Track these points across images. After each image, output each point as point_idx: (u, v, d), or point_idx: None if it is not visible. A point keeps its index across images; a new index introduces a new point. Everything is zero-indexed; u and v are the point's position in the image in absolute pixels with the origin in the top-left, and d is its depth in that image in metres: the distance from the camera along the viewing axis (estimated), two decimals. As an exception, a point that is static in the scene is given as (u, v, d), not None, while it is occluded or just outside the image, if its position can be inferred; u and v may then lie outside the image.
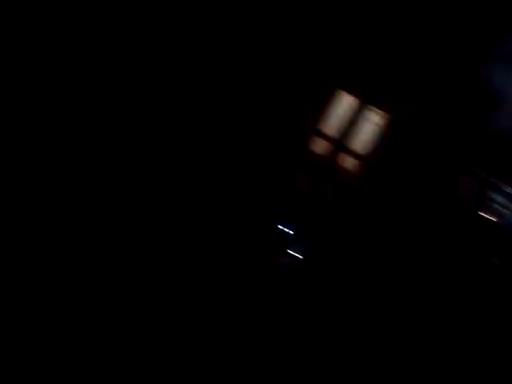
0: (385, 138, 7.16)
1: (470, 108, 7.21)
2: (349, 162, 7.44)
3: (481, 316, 6.31)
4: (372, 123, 7.39)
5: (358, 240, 6.66)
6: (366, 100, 7.09)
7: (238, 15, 6.30)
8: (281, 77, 6.81)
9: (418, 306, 6.07)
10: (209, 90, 6.49)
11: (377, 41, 6.82)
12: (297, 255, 5.68)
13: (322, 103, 7.04)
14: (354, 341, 4.59)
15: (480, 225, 7.68)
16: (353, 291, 5.58)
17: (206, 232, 5.31)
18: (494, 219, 7.82)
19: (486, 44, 7.09)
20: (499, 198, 7.72)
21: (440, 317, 5.91)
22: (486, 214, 7.78)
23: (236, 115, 6.60)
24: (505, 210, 7.79)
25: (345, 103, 7.22)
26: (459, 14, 6.98)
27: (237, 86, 6.53)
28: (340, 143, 7.26)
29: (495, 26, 7.00)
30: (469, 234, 7.30)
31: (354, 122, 7.19)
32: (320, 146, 7.38)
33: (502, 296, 6.63)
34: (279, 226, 5.87)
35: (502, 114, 7.29)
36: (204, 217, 5.58)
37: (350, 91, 7.07)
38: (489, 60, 7.12)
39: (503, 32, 6.96)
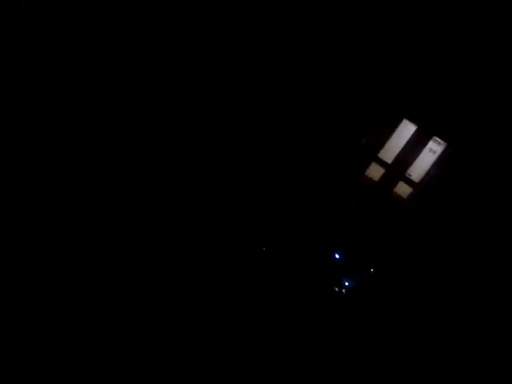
0: (444, 168, 7.02)
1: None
2: (405, 190, 7.35)
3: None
4: (432, 152, 7.27)
5: (411, 271, 6.57)
6: (429, 130, 6.98)
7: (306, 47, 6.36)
8: (347, 103, 6.81)
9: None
10: (270, 116, 6.58)
11: (442, 73, 6.70)
12: (349, 283, 5.67)
13: (386, 131, 6.99)
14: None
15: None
16: (409, 322, 5.52)
17: (265, 257, 5.39)
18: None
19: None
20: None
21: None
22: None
23: (301, 141, 6.65)
24: None
25: (408, 131, 7.14)
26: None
27: (302, 113, 6.58)
28: (399, 171, 7.18)
29: None
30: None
31: (415, 151, 7.09)
32: (378, 173, 7.32)
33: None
34: (335, 255, 5.88)
35: None
36: (265, 241, 5.67)
37: (414, 120, 6.98)
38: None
39: None
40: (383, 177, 7.25)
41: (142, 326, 2.88)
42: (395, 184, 7.29)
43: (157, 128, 5.84)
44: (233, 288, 4.35)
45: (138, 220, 4.56)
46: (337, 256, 5.96)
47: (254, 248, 5.44)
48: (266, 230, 5.86)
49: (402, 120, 7.12)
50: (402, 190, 7.39)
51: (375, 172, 7.38)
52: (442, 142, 7.09)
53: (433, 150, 7.16)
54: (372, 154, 7.13)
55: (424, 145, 7.08)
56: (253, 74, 6.23)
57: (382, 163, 7.18)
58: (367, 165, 7.39)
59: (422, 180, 7.10)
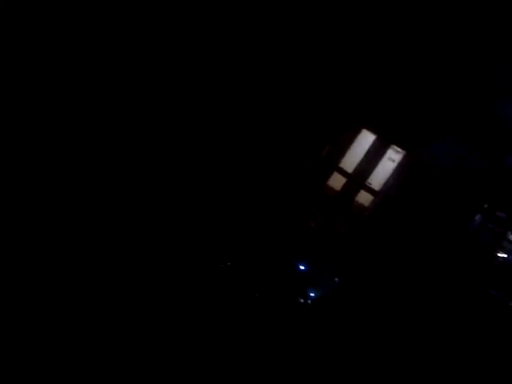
0: (403, 176, 7.16)
1: (489, 146, 7.22)
2: (367, 199, 7.44)
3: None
4: (391, 161, 7.41)
5: (376, 278, 6.62)
6: (387, 138, 7.11)
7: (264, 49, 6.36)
8: (305, 113, 6.84)
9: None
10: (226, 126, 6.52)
11: (398, 82, 6.87)
12: (314, 294, 5.64)
13: (346, 141, 7.07)
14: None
15: (496, 265, 7.64)
16: (372, 330, 5.53)
17: (224, 269, 5.28)
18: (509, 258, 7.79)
19: (501, 81, 7.14)
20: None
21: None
22: (501, 253, 7.75)
23: (262, 151, 6.61)
24: (521, 252, 7.75)
25: (367, 141, 7.25)
26: (474, 53, 7.04)
27: (261, 122, 6.56)
28: (360, 180, 7.27)
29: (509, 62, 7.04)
30: (485, 274, 7.26)
31: (375, 160, 7.20)
32: (340, 183, 7.39)
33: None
34: (298, 265, 5.83)
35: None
36: (222, 253, 5.56)
37: (372, 129, 7.10)
38: (507, 97, 7.15)
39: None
40: (345, 186, 7.31)
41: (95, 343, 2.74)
42: (357, 193, 7.37)
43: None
44: (196, 304, 4.23)
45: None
46: (301, 267, 5.92)
47: (218, 263, 5.33)
48: (231, 244, 5.77)
49: (361, 130, 7.23)
50: (364, 198, 7.48)
51: (337, 182, 7.44)
52: (400, 150, 7.24)
53: (392, 158, 7.29)
54: (333, 164, 7.20)
55: (383, 153, 7.21)
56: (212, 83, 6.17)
57: (343, 173, 7.25)
58: (329, 175, 7.45)
59: (382, 188, 7.21)
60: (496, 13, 4.91)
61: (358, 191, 7.32)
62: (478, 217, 7.42)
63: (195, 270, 4.84)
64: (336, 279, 6.12)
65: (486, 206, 7.29)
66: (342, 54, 6.76)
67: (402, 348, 5.44)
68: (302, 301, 5.46)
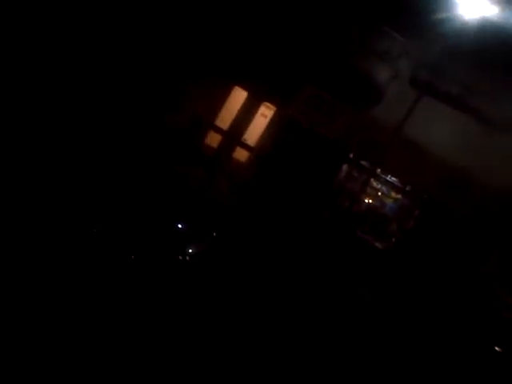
0: (276, 132, 7.45)
1: (352, 101, 7.76)
2: (244, 155, 7.66)
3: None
4: (264, 117, 7.64)
5: (254, 232, 6.94)
6: (257, 95, 7.30)
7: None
8: (174, 71, 6.72)
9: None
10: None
11: (266, 40, 7.02)
12: (193, 252, 5.76)
13: (217, 98, 7.10)
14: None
15: (363, 211, 8.45)
16: (250, 284, 5.84)
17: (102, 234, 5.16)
18: (376, 205, 8.66)
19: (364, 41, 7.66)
20: (381, 186, 8.51)
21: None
22: (368, 200, 8.58)
23: (130, 112, 6.40)
24: (385, 197, 8.65)
25: (238, 98, 7.36)
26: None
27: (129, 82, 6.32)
28: (234, 137, 7.41)
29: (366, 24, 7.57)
30: (351, 220, 7.99)
31: (248, 116, 7.37)
32: (217, 141, 7.47)
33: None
34: (178, 226, 5.88)
35: (380, 105, 7.99)
36: (99, 216, 5.40)
37: (244, 87, 7.22)
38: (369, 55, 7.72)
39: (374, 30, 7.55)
40: (221, 143, 7.43)
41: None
42: (233, 150, 7.54)
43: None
44: (64, 271, 4.09)
45: None
46: (180, 226, 5.99)
47: (89, 228, 5.17)
48: (103, 209, 5.61)
49: (233, 87, 7.32)
50: (241, 155, 7.69)
51: (214, 140, 7.52)
52: (271, 106, 7.49)
53: (264, 114, 7.53)
54: (208, 122, 7.24)
55: (256, 110, 7.42)
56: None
57: (218, 130, 7.34)
58: (205, 133, 7.50)
59: (257, 144, 7.46)
60: None
61: (235, 148, 7.50)
62: (345, 166, 8.07)
63: (66, 236, 4.65)
64: (214, 234, 6.31)
65: (351, 156, 7.93)
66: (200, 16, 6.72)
67: (277, 291, 5.84)
68: (180, 257, 5.55)
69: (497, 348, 6.39)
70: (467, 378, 5.68)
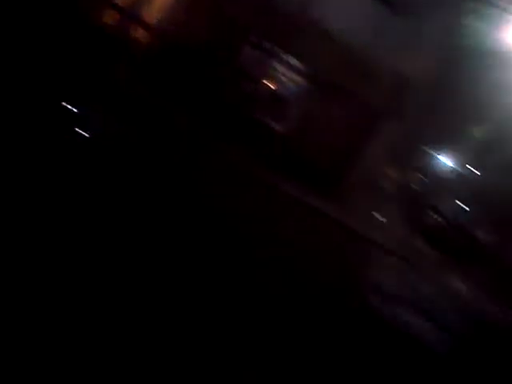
0: (175, 8, 7.25)
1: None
2: (141, 34, 7.48)
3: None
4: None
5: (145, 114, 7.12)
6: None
7: None
8: None
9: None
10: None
11: None
12: (84, 133, 5.85)
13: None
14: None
15: (264, 95, 8.74)
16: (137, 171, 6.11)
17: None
18: (276, 88, 8.95)
19: None
20: (281, 67, 8.69)
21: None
22: (268, 82, 8.83)
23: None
24: (285, 79, 8.91)
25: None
26: None
27: None
28: (132, 14, 7.15)
29: None
30: (251, 104, 8.33)
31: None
32: (112, 18, 7.19)
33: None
34: (65, 105, 5.92)
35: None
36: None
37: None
38: None
39: None
40: (118, 21, 7.20)
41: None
42: (133, 28, 7.35)
43: None
44: None
45: None
46: (75, 109, 6.08)
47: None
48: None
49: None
50: (139, 33, 7.51)
51: (111, 18, 7.23)
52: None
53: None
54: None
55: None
56: None
57: (113, 6, 7.05)
58: (101, 11, 7.15)
59: (157, 22, 7.29)
60: None
61: (133, 26, 7.29)
62: (246, 48, 8.08)
63: None
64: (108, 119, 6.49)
65: (253, 38, 7.91)
66: None
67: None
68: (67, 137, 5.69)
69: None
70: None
